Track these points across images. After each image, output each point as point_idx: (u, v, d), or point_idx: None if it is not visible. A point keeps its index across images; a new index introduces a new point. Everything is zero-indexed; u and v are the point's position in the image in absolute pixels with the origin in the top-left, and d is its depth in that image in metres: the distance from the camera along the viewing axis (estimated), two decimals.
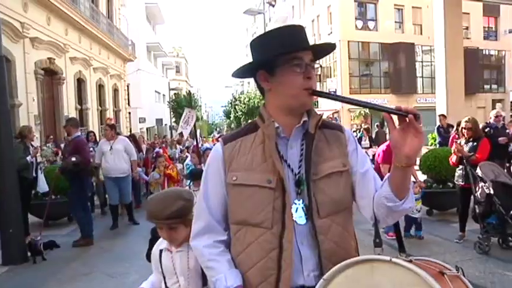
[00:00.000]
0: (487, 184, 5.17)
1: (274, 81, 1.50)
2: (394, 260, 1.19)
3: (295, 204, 1.45)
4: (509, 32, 32.78)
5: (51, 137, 13.23)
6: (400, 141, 1.33)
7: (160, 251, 2.23)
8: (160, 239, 2.28)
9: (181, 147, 13.38)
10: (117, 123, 23.45)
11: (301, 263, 1.43)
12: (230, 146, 1.55)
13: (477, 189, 5.31)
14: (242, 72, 1.65)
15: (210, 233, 1.56)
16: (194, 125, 7.97)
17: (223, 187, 1.53)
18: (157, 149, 10.98)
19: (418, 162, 8.87)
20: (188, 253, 2.08)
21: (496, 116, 8.17)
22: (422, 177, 7.65)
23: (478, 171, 5.30)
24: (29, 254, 5.77)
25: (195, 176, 5.08)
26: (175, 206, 2.05)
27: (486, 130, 7.66)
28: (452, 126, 10.93)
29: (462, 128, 5.85)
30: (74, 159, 6.45)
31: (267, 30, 1.59)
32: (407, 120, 1.28)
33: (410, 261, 1.22)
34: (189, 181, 5.71)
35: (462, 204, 5.90)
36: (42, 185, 7.64)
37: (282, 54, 1.45)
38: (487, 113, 30.45)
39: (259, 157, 1.50)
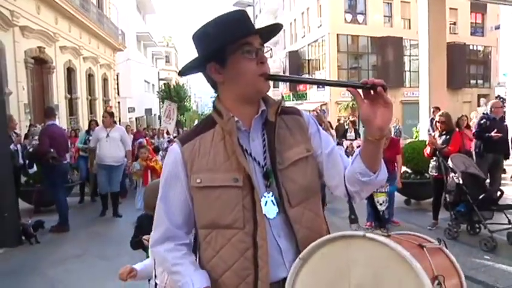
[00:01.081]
0: (456, 174, 5.52)
1: (226, 72, 1.44)
2: (368, 235, 1.19)
3: (265, 197, 1.43)
4: (496, 29, 33.23)
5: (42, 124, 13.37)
6: (371, 115, 1.31)
7: None
8: None
9: (170, 136, 13.39)
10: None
11: (281, 256, 1.42)
12: (189, 146, 1.47)
13: (448, 179, 5.67)
14: (190, 69, 1.56)
15: (169, 239, 1.50)
16: (177, 117, 7.95)
17: (184, 191, 1.46)
18: (140, 140, 10.92)
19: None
20: None
21: (496, 107, 7.42)
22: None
23: (449, 162, 5.65)
24: (23, 237, 6.03)
25: None
26: None
27: (482, 122, 7.31)
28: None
29: (436, 121, 6.19)
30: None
31: (207, 21, 1.48)
32: (376, 93, 1.28)
33: (388, 236, 1.21)
34: None
35: (435, 194, 6.27)
36: (33, 168, 7.86)
37: (231, 42, 1.39)
38: (472, 107, 31.04)
39: (221, 155, 1.44)
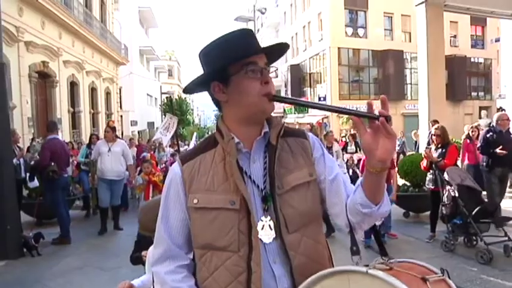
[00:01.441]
0: (452, 187, 5.59)
1: (230, 92, 1.41)
2: (370, 271, 1.15)
3: (262, 221, 1.39)
4: (496, 41, 33.48)
5: (39, 139, 13.49)
6: (372, 145, 1.27)
7: None
8: None
9: (171, 150, 13.38)
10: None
11: (275, 282, 1.37)
12: (189, 165, 1.46)
13: (444, 192, 5.74)
14: (195, 87, 1.54)
15: (170, 259, 1.47)
16: (176, 132, 7.95)
17: (184, 211, 1.45)
18: (144, 154, 10.79)
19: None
20: None
21: (502, 120, 7.10)
22: (400, 181, 8.09)
23: (445, 175, 5.72)
24: (24, 250, 6.11)
25: None
26: None
27: (488, 136, 7.04)
28: None
29: (432, 135, 6.27)
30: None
31: (214, 39, 1.47)
32: (378, 123, 1.24)
33: (390, 268, 1.18)
34: None
35: (432, 207, 6.33)
36: (34, 181, 7.90)
37: (234, 61, 1.37)
38: (474, 119, 31.12)
39: (220, 176, 1.42)
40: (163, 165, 11.83)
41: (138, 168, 9.09)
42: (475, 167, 8.22)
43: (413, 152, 14.05)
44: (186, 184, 1.44)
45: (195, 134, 19.13)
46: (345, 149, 13.53)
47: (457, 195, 5.52)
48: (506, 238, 5.33)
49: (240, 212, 1.37)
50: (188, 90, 1.56)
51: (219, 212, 1.38)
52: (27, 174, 7.64)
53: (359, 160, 9.07)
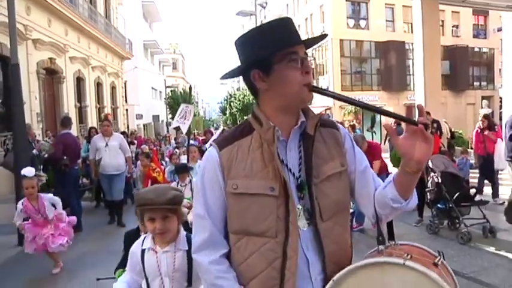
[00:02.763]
0: (436, 174, 6.01)
1: (271, 80, 1.42)
2: (407, 263, 1.22)
3: (298, 209, 1.42)
4: (498, 31, 33.38)
5: (49, 131, 13.97)
6: (409, 148, 1.31)
7: (143, 250, 2.15)
8: (141, 238, 2.24)
9: (174, 143, 13.36)
10: (114, 120, 24.15)
11: (308, 269, 1.41)
12: (227, 151, 1.47)
13: (428, 178, 6.16)
14: (233, 73, 1.57)
15: (213, 246, 1.47)
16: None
17: (223, 195, 1.45)
18: (143, 146, 10.56)
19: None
20: (175, 253, 2.08)
21: None
22: (393, 169, 8.49)
23: (430, 163, 6.14)
24: None
25: (180, 169, 5.33)
26: (170, 194, 2.07)
27: None
28: (437, 122, 11.65)
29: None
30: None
31: (253, 28, 1.50)
32: (417, 128, 1.29)
33: (411, 257, 1.26)
34: (173, 176, 5.76)
35: (418, 193, 6.74)
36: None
37: (279, 50, 1.38)
38: (476, 109, 31.30)
39: (258, 163, 1.43)
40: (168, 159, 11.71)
41: (138, 162, 8.95)
42: (484, 157, 8.48)
43: None
44: (224, 169, 1.45)
45: (221, 127, 18.84)
46: None
47: (440, 181, 5.94)
48: (485, 220, 5.76)
49: (279, 198, 1.39)
50: (226, 77, 1.60)
51: (258, 197, 1.40)
52: (41, 166, 8.12)
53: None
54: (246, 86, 1.55)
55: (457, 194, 5.76)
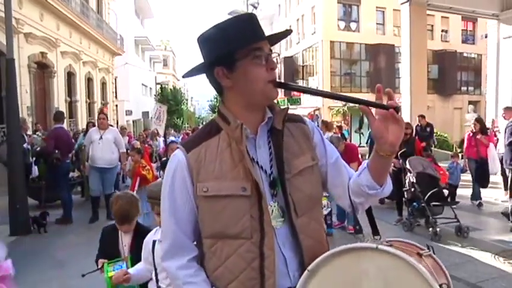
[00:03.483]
0: (412, 174, 6.32)
1: (235, 77, 1.39)
2: (380, 247, 1.22)
3: (271, 206, 1.40)
4: (485, 37, 33.94)
5: (39, 125, 14.01)
6: (383, 131, 1.33)
7: (154, 241, 2.19)
8: (154, 229, 2.30)
9: (163, 139, 13.19)
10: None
11: (286, 266, 1.40)
12: (194, 153, 1.42)
13: (406, 178, 6.47)
14: (196, 71, 1.51)
15: (181, 251, 1.45)
16: (168, 120, 7.90)
17: (192, 199, 1.42)
18: (134, 141, 10.44)
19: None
20: None
21: None
22: None
23: (407, 164, 6.44)
24: (33, 228, 6.81)
25: (165, 165, 5.36)
26: None
27: None
28: (431, 125, 11.88)
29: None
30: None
31: (216, 24, 1.43)
32: (388, 112, 1.30)
33: (391, 245, 1.25)
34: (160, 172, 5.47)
35: (397, 193, 7.03)
36: (34, 171, 8.59)
37: (243, 47, 1.35)
38: (463, 113, 31.74)
39: (228, 163, 1.39)
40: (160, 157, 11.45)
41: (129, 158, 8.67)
42: (476, 161, 8.35)
43: None
44: (193, 172, 1.41)
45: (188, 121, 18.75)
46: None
47: (415, 181, 6.24)
48: (456, 220, 6.10)
49: (251, 198, 1.37)
50: (188, 74, 1.56)
51: (230, 199, 1.37)
52: (33, 159, 8.29)
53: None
54: (210, 84, 1.52)
55: (428, 194, 6.06)
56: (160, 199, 1.52)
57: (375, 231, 1.46)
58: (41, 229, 6.81)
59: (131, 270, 2.36)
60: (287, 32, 1.55)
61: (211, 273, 1.43)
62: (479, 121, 8.86)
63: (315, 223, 1.48)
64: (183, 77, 1.67)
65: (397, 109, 1.30)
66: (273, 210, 1.39)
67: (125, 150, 8.24)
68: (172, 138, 8.87)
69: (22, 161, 7.00)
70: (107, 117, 8.17)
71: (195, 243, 1.50)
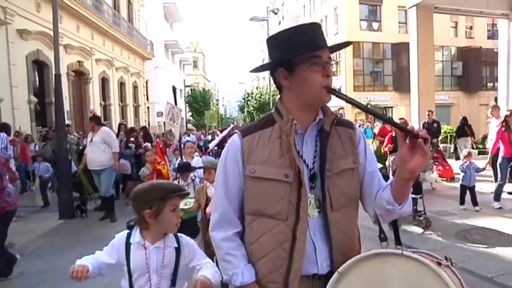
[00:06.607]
0: (394, 168, 7.09)
1: (293, 79, 1.52)
2: (405, 253, 1.27)
3: (309, 197, 1.50)
4: None
5: (71, 127, 14.91)
6: (407, 157, 1.39)
7: (129, 244, 2.04)
8: (124, 232, 2.11)
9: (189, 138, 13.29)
10: (136, 117, 25.47)
11: (315, 253, 1.49)
12: (249, 139, 1.57)
13: (390, 175, 7.28)
14: (262, 69, 1.70)
15: (227, 224, 1.59)
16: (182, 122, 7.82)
17: (241, 178, 1.56)
18: (145, 144, 10.56)
19: None
20: (164, 250, 2.00)
21: None
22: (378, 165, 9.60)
23: (391, 158, 7.24)
24: (76, 214, 8.05)
25: (182, 168, 5.23)
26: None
27: None
28: (437, 122, 12.24)
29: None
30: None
31: (285, 28, 1.58)
32: (417, 142, 1.35)
33: (413, 253, 1.31)
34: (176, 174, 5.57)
35: None
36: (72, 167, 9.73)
37: (302, 53, 1.47)
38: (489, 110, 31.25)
39: (276, 152, 1.52)
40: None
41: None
42: (510, 159, 7.39)
43: None
44: (245, 155, 1.56)
45: (231, 125, 18.13)
46: None
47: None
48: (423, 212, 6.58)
49: (292, 185, 1.49)
50: (254, 71, 1.76)
51: (273, 182, 1.51)
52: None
53: None
54: (273, 81, 1.67)
55: None
56: (174, 192, 1.93)
57: (398, 241, 1.68)
58: (83, 214, 8.05)
59: (90, 262, 2.02)
60: (347, 44, 1.69)
61: (247, 247, 1.60)
62: None
63: (349, 221, 1.59)
64: (251, 72, 1.83)
65: (426, 140, 1.36)
66: (310, 201, 1.52)
67: (117, 151, 7.91)
68: (187, 138, 9.18)
69: (67, 158, 8.27)
70: (93, 119, 7.83)
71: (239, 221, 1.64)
